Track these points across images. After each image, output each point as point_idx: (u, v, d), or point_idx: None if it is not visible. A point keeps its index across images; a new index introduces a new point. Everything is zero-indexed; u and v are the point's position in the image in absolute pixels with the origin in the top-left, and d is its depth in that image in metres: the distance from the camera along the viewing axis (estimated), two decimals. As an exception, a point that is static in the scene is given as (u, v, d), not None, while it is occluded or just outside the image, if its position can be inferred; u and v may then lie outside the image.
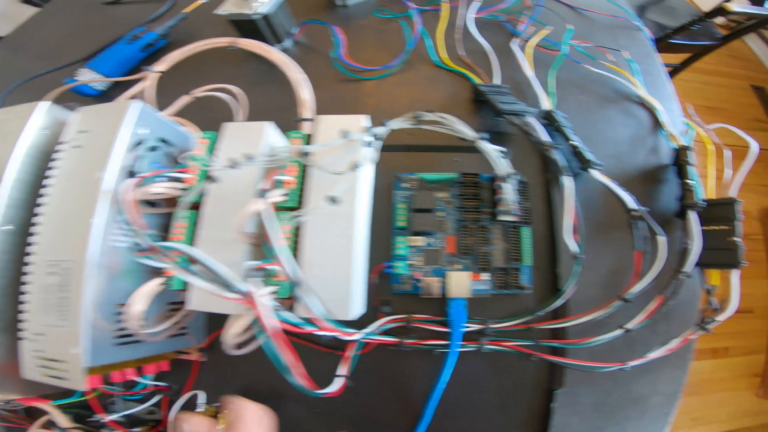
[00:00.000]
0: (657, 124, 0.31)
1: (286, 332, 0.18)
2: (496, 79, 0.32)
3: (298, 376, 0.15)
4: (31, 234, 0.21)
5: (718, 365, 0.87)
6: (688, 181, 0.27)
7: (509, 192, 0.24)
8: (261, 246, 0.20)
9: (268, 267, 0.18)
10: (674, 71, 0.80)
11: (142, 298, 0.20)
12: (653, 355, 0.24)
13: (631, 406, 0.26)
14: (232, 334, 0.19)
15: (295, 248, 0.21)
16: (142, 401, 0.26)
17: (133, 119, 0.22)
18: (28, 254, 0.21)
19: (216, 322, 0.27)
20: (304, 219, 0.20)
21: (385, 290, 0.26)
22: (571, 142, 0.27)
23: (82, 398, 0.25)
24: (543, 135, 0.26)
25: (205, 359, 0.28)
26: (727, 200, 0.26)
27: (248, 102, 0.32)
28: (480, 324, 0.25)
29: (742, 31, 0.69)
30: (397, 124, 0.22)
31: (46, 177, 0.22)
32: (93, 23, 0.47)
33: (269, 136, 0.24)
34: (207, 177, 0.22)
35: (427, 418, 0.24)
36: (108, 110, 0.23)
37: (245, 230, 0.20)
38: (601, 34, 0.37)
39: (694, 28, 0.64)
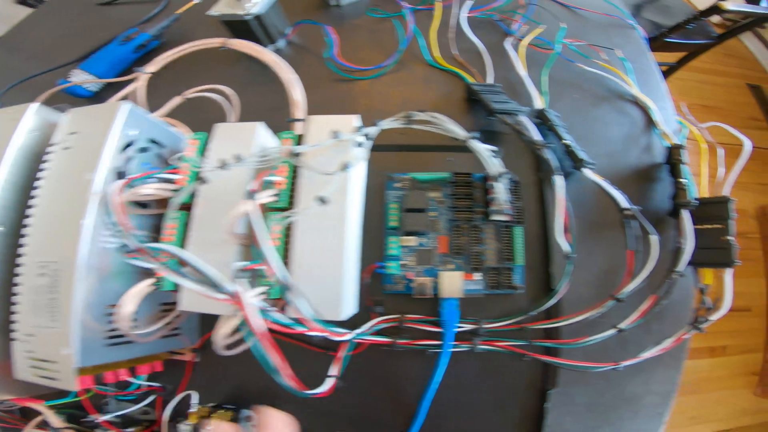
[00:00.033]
0: (650, 123, 0.31)
1: (277, 332, 0.19)
2: (490, 79, 0.32)
3: (285, 377, 0.15)
4: (22, 236, 0.21)
5: (715, 364, 0.87)
6: (680, 179, 0.27)
7: (501, 191, 0.24)
8: (251, 247, 0.20)
9: (257, 268, 0.18)
10: (670, 70, 0.80)
11: (133, 299, 0.20)
12: (646, 354, 0.24)
13: (625, 406, 0.26)
14: (222, 335, 0.19)
15: (286, 248, 0.21)
16: (136, 401, 0.26)
17: (122, 120, 0.22)
18: (19, 255, 0.21)
19: (209, 322, 0.27)
20: (293, 219, 0.20)
21: (377, 290, 0.26)
22: (563, 141, 0.27)
23: (76, 399, 0.25)
24: (535, 134, 0.26)
25: (198, 360, 0.28)
26: (720, 199, 0.26)
27: (241, 102, 0.32)
28: (473, 324, 0.25)
29: (737, 30, 0.69)
30: (388, 124, 0.22)
31: (37, 179, 0.22)
32: (87, 24, 0.47)
33: (261, 136, 0.24)
34: (197, 178, 0.22)
35: (421, 418, 0.24)
36: (97, 111, 0.23)
37: (235, 231, 0.20)
38: (595, 32, 0.37)
39: (689, 26, 0.64)
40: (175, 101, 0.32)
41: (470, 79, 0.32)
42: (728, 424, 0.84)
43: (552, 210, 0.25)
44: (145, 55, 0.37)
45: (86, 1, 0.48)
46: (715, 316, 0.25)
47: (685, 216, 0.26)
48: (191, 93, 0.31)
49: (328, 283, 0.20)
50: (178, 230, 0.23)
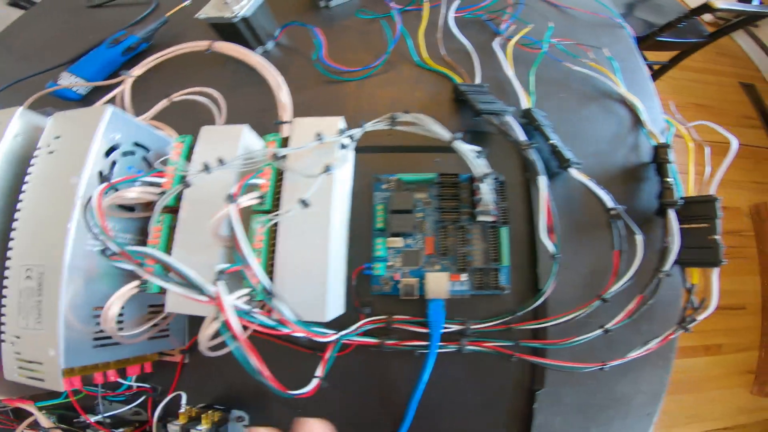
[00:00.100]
0: (638, 122, 0.31)
1: (263, 333, 0.19)
2: (478, 79, 0.32)
3: (265, 378, 0.15)
4: (10, 239, 0.21)
5: (711, 362, 0.87)
6: (667, 179, 0.27)
7: (486, 192, 0.24)
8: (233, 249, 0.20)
9: (240, 270, 0.18)
10: (663, 69, 0.80)
11: (118, 301, 0.20)
12: (633, 354, 0.24)
13: (615, 407, 0.26)
14: (206, 337, 0.19)
15: (271, 250, 0.21)
16: (126, 402, 0.26)
17: (105, 125, 0.22)
18: (6, 259, 0.21)
19: (197, 324, 0.27)
20: (276, 221, 0.20)
21: (365, 292, 0.26)
22: (550, 140, 0.27)
23: (67, 400, 0.25)
24: (520, 134, 0.26)
25: (188, 361, 0.28)
26: (707, 198, 0.26)
27: (229, 104, 0.32)
28: (460, 325, 0.25)
29: (729, 28, 0.69)
30: (372, 125, 0.22)
31: (23, 183, 0.22)
32: (77, 26, 0.47)
33: (246, 139, 0.24)
34: (182, 181, 0.22)
35: (409, 419, 0.24)
36: (81, 116, 0.23)
37: (219, 233, 0.20)
38: (584, 31, 0.37)
39: (680, 25, 0.64)
40: (162, 104, 0.32)
41: (458, 80, 0.32)
42: (725, 422, 0.84)
43: (538, 210, 0.25)
44: (134, 57, 0.37)
45: (77, 4, 0.48)
46: (702, 316, 0.25)
47: (672, 215, 0.26)
48: (177, 96, 0.31)
49: (312, 284, 0.21)
50: (163, 233, 0.23)
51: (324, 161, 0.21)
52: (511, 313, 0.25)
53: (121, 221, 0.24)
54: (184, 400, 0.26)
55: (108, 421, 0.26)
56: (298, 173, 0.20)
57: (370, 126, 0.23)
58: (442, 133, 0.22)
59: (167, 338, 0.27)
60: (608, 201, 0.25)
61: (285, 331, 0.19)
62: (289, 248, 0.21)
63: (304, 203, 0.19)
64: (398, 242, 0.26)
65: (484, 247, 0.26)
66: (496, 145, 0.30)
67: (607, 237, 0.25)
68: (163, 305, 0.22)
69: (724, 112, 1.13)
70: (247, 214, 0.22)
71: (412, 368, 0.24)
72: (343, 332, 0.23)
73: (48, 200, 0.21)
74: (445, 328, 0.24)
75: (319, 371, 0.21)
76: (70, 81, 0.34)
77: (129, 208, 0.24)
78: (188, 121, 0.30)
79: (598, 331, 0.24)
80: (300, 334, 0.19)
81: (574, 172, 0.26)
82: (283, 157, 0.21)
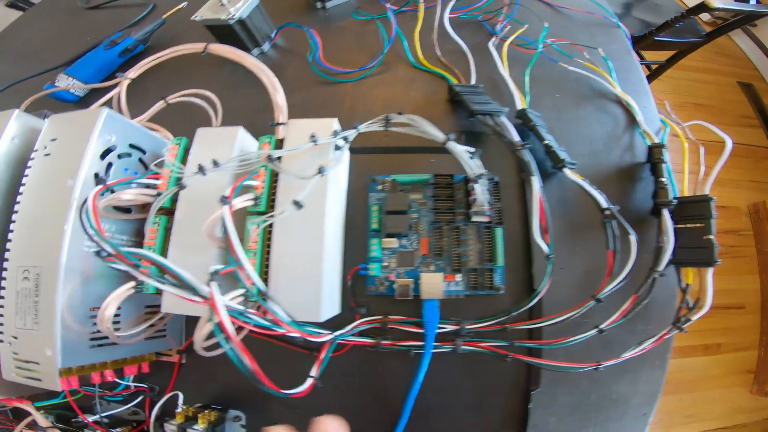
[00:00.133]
0: (633, 122, 0.31)
1: (259, 333, 0.19)
2: (473, 79, 0.32)
3: (257, 377, 0.15)
4: (7, 240, 0.21)
5: (710, 362, 0.87)
6: (661, 179, 0.27)
7: (480, 192, 0.24)
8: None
9: (234, 271, 0.18)
10: (661, 68, 0.80)
11: (114, 301, 0.20)
12: (627, 355, 0.24)
13: (611, 407, 0.26)
14: (201, 336, 0.19)
15: (266, 251, 0.21)
16: (123, 402, 0.27)
17: (100, 127, 0.22)
18: (5, 260, 0.21)
19: (194, 324, 0.27)
20: (270, 222, 0.20)
21: (361, 292, 0.26)
22: (544, 141, 0.27)
23: (65, 399, 0.26)
24: (514, 135, 0.26)
25: (185, 361, 0.28)
26: (701, 198, 0.26)
27: (226, 105, 0.32)
28: (455, 325, 0.25)
29: (727, 28, 0.69)
30: (366, 127, 0.23)
31: (21, 184, 0.22)
32: (75, 28, 0.47)
33: (242, 140, 0.24)
34: (177, 183, 0.22)
35: (405, 419, 0.24)
36: (76, 118, 0.23)
37: (214, 235, 0.20)
38: (579, 31, 0.37)
39: (678, 24, 0.64)
40: (158, 106, 0.32)
41: (453, 80, 0.32)
42: (724, 422, 0.84)
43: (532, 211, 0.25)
44: (132, 59, 0.38)
45: (74, 5, 0.48)
46: (696, 316, 0.25)
47: (666, 215, 0.26)
48: (173, 98, 0.31)
49: (307, 285, 0.21)
50: (159, 234, 0.23)
51: (318, 163, 0.21)
52: (506, 313, 0.25)
53: (117, 223, 0.24)
54: (181, 400, 0.26)
55: (106, 420, 0.27)
56: (291, 175, 0.20)
57: (364, 127, 0.23)
58: (436, 134, 0.22)
59: (164, 338, 0.27)
60: (602, 201, 0.25)
61: (280, 331, 0.19)
62: (284, 249, 0.21)
63: (298, 204, 0.19)
64: (393, 243, 0.26)
65: (478, 247, 0.26)
66: (491, 146, 0.30)
67: (601, 237, 0.25)
68: (159, 306, 0.22)
69: (723, 111, 1.13)
70: (242, 216, 0.22)
71: (408, 368, 0.24)
72: (338, 332, 0.23)
73: (45, 202, 0.22)
74: (441, 328, 0.24)
75: (314, 371, 0.21)
76: (67, 83, 0.35)
77: (125, 210, 0.24)
78: (185, 123, 0.30)
79: (593, 332, 0.24)
80: (294, 334, 0.19)
81: (568, 172, 0.26)
82: (278, 158, 0.22)
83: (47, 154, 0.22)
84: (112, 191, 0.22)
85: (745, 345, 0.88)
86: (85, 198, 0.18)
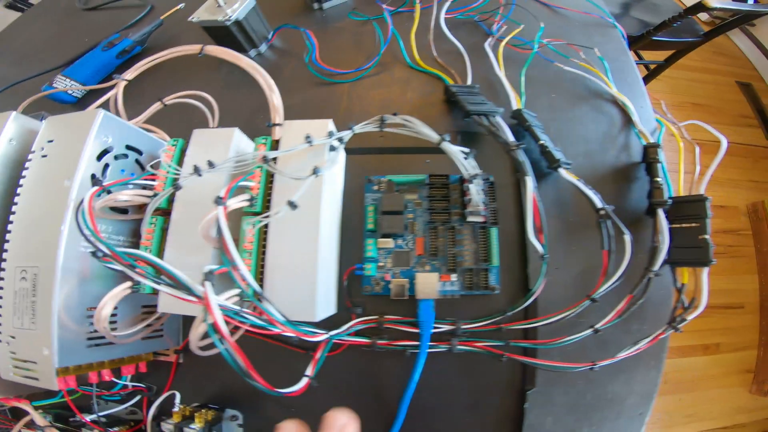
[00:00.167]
0: (628, 122, 0.31)
1: (255, 333, 0.19)
2: (469, 80, 0.32)
3: (251, 376, 0.16)
4: (5, 241, 0.22)
5: (710, 362, 0.87)
6: (656, 178, 0.27)
7: (475, 192, 0.24)
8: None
9: (228, 271, 0.18)
10: (659, 68, 0.80)
11: (110, 301, 0.20)
12: (623, 354, 0.24)
13: (607, 407, 0.26)
14: (197, 336, 0.19)
15: (262, 251, 0.22)
16: (121, 402, 0.27)
17: (97, 128, 0.22)
18: (3, 260, 0.21)
19: (191, 324, 0.27)
20: (265, 223, 0.21)
21: (357, 292, 0.27)
22: (539, 141, 0.27)
23: (63, 399, 0.26)
24: (509, 135, 0.26)
25: (182, 361, 0.28)
26: (697, 197, 0.26)
27: (223, 106, 0.32)
28: (451, 325, 0.25)
29: (724, 27, 0.69)
30: (362, 128, 0.23)
31: (19, 186, 0.23)
32: (73, 29, 0.47)
33: (238, 141, 0.24)
34: (173, 184, 0.22)
35: (401, 418, 0.24)
36: (72, 120, 0.23)
37: (210, 235, 0.20)
38: (575, 31, 0.37)
39: (675, 24, 0.64)
40: (155, 107, 0.32)
41: (449, 81, 0.32)
42: (724, 422, 0.84)
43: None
44: (129, 60, 0.38)
45: (72, 6, 0.49)
46: (692, 316, 0.25)
47: (661, 215, 0.26)
48: (170, 99, 0.32)
49: (302, 284, 0.21)
50: (155, 235, 0.23)
51: (314, 163, 0.21)
52: (502, 313, 0.25)
53: (114, 223, 0.24)
54: (178, 400, 0.26)
55: (103, 420, 0.27)
56: (286, 176, 0.21)
57: (359, 128, 0.23)
58: (431, 134, 0.22)
59: (161, 338, 0.27)
60: (597, 201, 0.25)
61: (275, 330, 0.19)
62: (279, 249, 0.21)
63: (293, 205, 0.19)
64: (389, 243, 0.26)
65: (474, 247, 0.26)
66: (486, 146, 0.30)
67: (596, 237, 0.25)
68: (156, 306, 0.22)
69: (721, 111, 1.13)
70: (239, 216, 0.22)
71: (404, 368, 0.24)
72: (334, 332, 0.23)
73: (42, 203, 0.22)
74: (436, 328, 0.25)
75: (309, 370, 0.21)
76: (64, 84, 0.35)
77: (122, 211, 0.24)
78: (182, 124, 0.30)
79: (588, 331, 0.24)
80: (290, 334, 0.19)
81: (563, 172, 0.26)
82: (273, 159, 0.22)
83: (44, 156, 0.23)
84: (109, 192, 0.22)
85: (744, 345, 0.88)
86: (81, 199, 0.19)
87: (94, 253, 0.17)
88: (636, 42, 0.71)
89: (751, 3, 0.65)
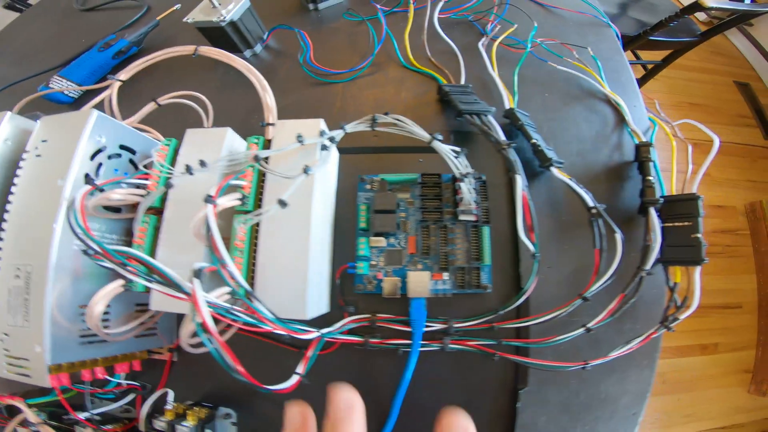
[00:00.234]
0: (622, 121, 0.31)
1: (247, 331, 0.19)
2: (463, 79, 0.33)
3: (238, 372, 0.16)
4: (0, 240, 0.22)
5: (708, 362, 0.87)
6: (648, 177, 0.28)
7: (466, 191, 0.24)
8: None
9: (218, 269, 0.18)
10: (656, 68, 0.80)
11: (102, 299, 0.20)
12: (615, 354, 0.24)
13: (600, 406, 0.26)
14: (187, 333, 0.20)
15: (253, 250, 0.22)
16: (115, 400, 0.27)
17: (90, 128, 0.22)
18: (-1, 258, 0.21)
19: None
20: (256, 221, 0.21)
21: (350, 291, 0.27)
22: (532, 140, 0.27)
23: (57, 397, 0.26)
24: (500, 134, 0.26)
25: (176, 359, 0.28)
26: (689, 196, 0.26)
27: (218, 106, 0.33)
28: (443, 323, 0.25)
29: (722, 27, 0.69)
30: (353, 127, 0.23)
31: (13, 185, 0.23)
32: (71, 29, 0.47)
33: (231, 141, 0.25)
34: (165, 183, 0.22)
35: (394, 417, 0.24)
36: (66, 120, 0.23)
37: (202, 234, 0.20)
38: (569, 31, 0.37)
39: (672, 24, 0.64)
40: (149, 108, 0.33)
41: (443, 81, 0.32)
42: (722, 422, 0.84)
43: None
44: (125, 61, 0.38)
45: (70, 7, 0.49)
46: (684, 315, 0.25)
47: (653, 214, 0.26)
48: (164, 100, 0.32)
49: (293, 282, 0.21)
50: (148, 233, 0.23)
51: (305, 162, 0.21)
52: (494, 311, 0.25)
53: (108, 222, 0.24)
54: (171, 397, 0.26)
55: (97, 418, 0.27)
56: (276, 174, 0.21)
57: (351, 128, 0.23)
58: (421, 133, 0.22)
59: (155, 336, 0.27)
60: (588, 200, 0.25)
61: (266, 328, 0.19)
62: (271, 247, 0.21)
63: (282, 203, 0.19)
64: (381, 242, 0.26)
65: (466, 246, 0.26)
66: (479, 145, 0.30)
67: (588, 236, 0.25)
68: (149, 304, 0.22)
69: (719, 111, 1.13)
70: (233, 215, 0.22)
71: (397, 366, 0.25)
72: (325, 330, 0.23)
73: (35, 202, 0.22)
74: (428, 326, 0.25)
75: (301, 368, 0.21)
76: (60, 85, 0.35)
77: (116, 210, 0.25)
78: (176, 124, 0.30)
79: (581, 330, 0.24)
80: (280, 331, 0.20)
81: (555, 171, 0.26)
82: (265, 158, 0.22)
83: (38, 155, 0.23)
84: (102, 191, 0.22)
85: (742, 345, 0.88)
86: (74, 197, 0.19)
87: (85, 251, 0.17)
88: (633, 42, 0.71)
89: (749, 3, 0.65)
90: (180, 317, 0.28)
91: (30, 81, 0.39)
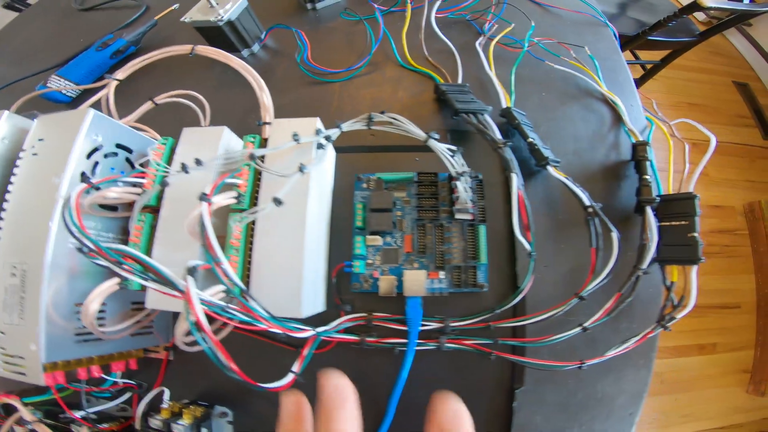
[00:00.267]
0: (619, 120, 0.31)
1: (242, 329, 0.19)
2: (460, 78, 0.33)
3: (231, 369, 0.16)
4: (-4, 238, 0.22)
5: (707, 362, 0.87)
6: (645, 176, 0.28)
7: (462, 190, 0.24)
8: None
9: (212, 267, 0.18)
10: (655, 68, 0.80)
11: (98, 297, 0.20)
12: (611, 353, 0.24)
13: (597, 406, 0.26)
14: (182, 331, 0.20)
15: (249, 248, 0.22)
16: (111, 399, 0.27)
17: (87, 127, 0.22)
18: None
19: (180, 322, 0.28)
20: (250, 219, 0.21)
21: (346, 289, 0.27)
22: (528, 139, 0.27)
23: (53, 396, 0.26)
24: (496, 132, 0.26)
25: (172, 358, 0.28)
26: (685, 195, 0.26)
27: (214, 106, 0.33)
28: (439, 322, 0.25)
29: (720, 27, 0.69)
30: (349, 126, 0.23)
31: (10, 183, 0.23)
32: (70, 29, 0.47)
33: (227, 140, 0.25)
34: (161, 181, 0.22)
35: (390, 416, 0.24)
36: (63, 119, 0.23)
37: (196, 232, 0.20)
38: (567, 30, 0.37)
39: (671, 24, 0.64)
40: (146, 107, 0.33)
41: (440, 80, 0.32)
42: (721, 422, 0.84)
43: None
44: (123, 60, 0.38)
45: (69, 7, 0.49)
46: (681, 314, 0.25)
47: (649, 213, 0.26)
48: (161, 99, 0.32)
49: (288, 281, 0.21)
50: (144, 232, 0.23)
51: (301, 161, 0.21)
52: (490, 310, 0.25)
53: (103, 221, 0.24)
54: (166, 396, 0.26)
55: (93, 416, 0.27)
56: (272, 173, 0.21)
57: (346, 126, 0.23)
58: (417, 132, 0.22)
59: (151, 335, 0.27)
60: (585, 199, 0.25)
61: (261, 327, 0.19)
62: (266, 246, 0.21)
63: (277, 201, 0.19)
64: (377, 240, 0.26)
65: (462, 245, 0.26)
66: (476, 144, 0.30)
67: (585, 235, 0.25)
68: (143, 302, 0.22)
69: (718, 111, 1.13)
70: (228, 214, 0.22)
71: (393, 365, 0.25)
72: (321, 328, 0.23)
73: (32, 200, 0.22)
74: (425, 325, 0.25)
75: (296, 367, 0.21)
76: (58, 84, 0.35)
77: (112, 208, 0.25)
78: (173, 123, 0.30)
79: (577, 330, 0.24)
80: (276, 330, 0.20)
81: (551, 170, 0.26)
82: (261, 157, 0.22)
83: (35, 154, 0.23)
84: (98, 189, 0.22)
85: (741, 345, 0.88)
86: (69, 195, 0.19)
87: (80, 249, 0.18)
88: (632, 42, 0.71)
89: (747, 2, 0.65)
90: (176, 316, 0.28)
91: (28, 80, 0.39)
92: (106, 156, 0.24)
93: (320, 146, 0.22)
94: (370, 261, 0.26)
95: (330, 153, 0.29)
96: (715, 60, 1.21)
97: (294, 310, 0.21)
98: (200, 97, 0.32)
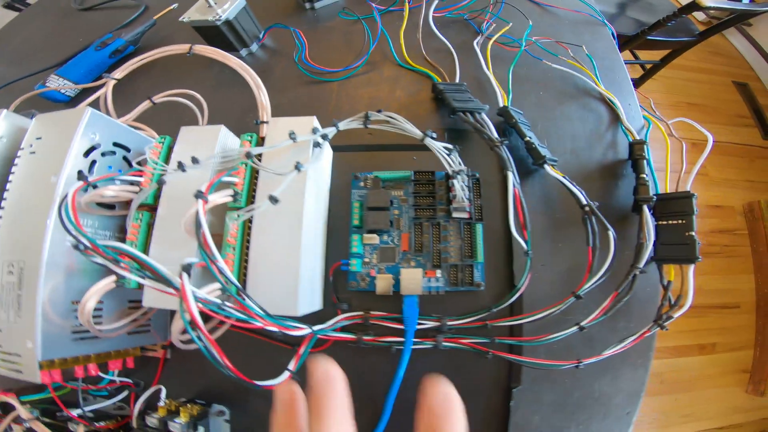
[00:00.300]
0: (616, 119, 0.31)
1: (238, 327, 0.19)
2: (458, 77, 0.33)
3: (225, 366, 0.16)
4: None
5: (706, 362, 0.87)
6: (642, 175, 0.28)
7: (458, 188, 0.24)
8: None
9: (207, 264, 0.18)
10: (655, 68, 0.80)
11: (94, 295, 0.20)
12: (608, 352, 0.24)
13: (594, 405, 0.26)
14: (177, 329, 0.20)
15: (246, 246, 0.22)
16: (108, 397, 0.27)
17: (84, 126, 0.22)
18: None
19: (178, 321, 0.28)
20: (247, 217, 0.21)
21: (343, 288, 0.27)
22: (525, 138, 0.27)
23: (50, 394, 0.26)
24: (493, 131, 0.26)
25: (170, 356, 0.28)
26: (683, 194, 0.26)
27: (212, 105, 0.33)
28: (436, 321, 0.25)
29: (720, 27, 0.69)
30: (346, 124, 0.23)
31: (8, 182, 0.23)
32: (69, 28, 0.47)
33: (224, 138, 0.25)
34: (158, 180, 0.22)
35: (387, 415, 0.24)
36: (61, 117, 0.23)
37: (193, 230, 0.20)
38: (565, 29, 0.37)
39: (670, 24, 0.64)
40: (144, 106, 0.33)
41: (438, 79, 0.32)
42: (720, 422, 0.84)
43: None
44: (122, 60, 0.38)
45: (68, 7, 0.49)
46: (678, 313, 0.25)
47: (646, 211, 0.26)
48: (159, 98, 0.32)
49: (285, 279, 0.21)
50: (141, 230, 0.23)
51: (298, 159, 0.21)
52: (487, 309, 0.25)
53: (101, 219, 0.24)
54: (163, 394, 0.26)
55: (90, 415, 0.27)
56: (268, 171, 0.21)
57: (343, 125, 0.23)
58: (414, 131, 0.22)
59: (148, 333, 0.27)
60: (582, 198, 0.25)
61: (257, 325, 0.19)
62: (263, 244, 0.21)
63: (273, 199, 0.19)
64: (374, 239, 0.26)
65: (459, 243, 0.26)
66: (474, 143, 0.30)
67: (582, 234, 0.25)
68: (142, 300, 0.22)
69: (717, 111, 1.13)
70: (225, 212, 0.22)
71: (390, 364, 0.25)
72: (317, 327, 0.23)
73: (29, 198, 0.22)
74: (421, 324, 0.25)
75: (292, 365, 0.21)
76: (57, 83, 0.35)
77: (110, 206, 0.25)
78: (171, 122, 0.30)
79: (574, 329, 0.24)
80: (272, 328, 0.20)
81: (548, 168, 0.26)
82: (258, 155, 0.22)
83: (33, 152, 0.23)
84: (96, 187, 0.22)
85: (740, 345, 0.88)
86: (66, 193, 0.19)
87: (76, 246, 0.18)
88: (631, 41, 0.71)
89: (747, 2, 0.65)
90: (173, 314, 0.28)
91: (27, 80, 0.39)
92: (103, 154, 0.24)
93: (317, 145, 0.23)
94: (367, 259, 0.26)
95: (327, 151, 0.29)
96: (714, 60, 1.21)
97: (290, 308, 0.21)
98: (198, 96, 0.32)
